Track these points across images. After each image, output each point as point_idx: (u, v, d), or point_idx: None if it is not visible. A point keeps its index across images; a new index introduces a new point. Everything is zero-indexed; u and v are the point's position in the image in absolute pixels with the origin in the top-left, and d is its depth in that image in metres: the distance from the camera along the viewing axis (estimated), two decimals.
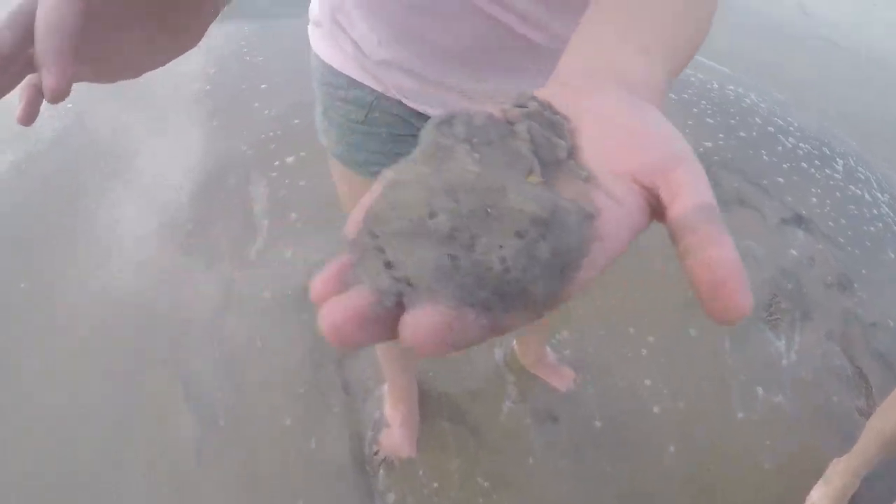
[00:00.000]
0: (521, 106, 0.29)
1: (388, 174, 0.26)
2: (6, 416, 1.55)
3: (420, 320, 0.22)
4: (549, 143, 0.27)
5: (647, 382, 1.59)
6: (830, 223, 2.15)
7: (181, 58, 0.48)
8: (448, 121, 0.28)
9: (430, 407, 1.53)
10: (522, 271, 0.23)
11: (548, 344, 1.60)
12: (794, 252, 2.03)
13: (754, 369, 1.70)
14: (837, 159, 2.40)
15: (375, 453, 1.49)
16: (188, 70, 2.41)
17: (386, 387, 1.55)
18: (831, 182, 2.32)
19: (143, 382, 1.59)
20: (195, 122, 2.20)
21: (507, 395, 1.55)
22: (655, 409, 1.56)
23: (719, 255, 0.24)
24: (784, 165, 2.29)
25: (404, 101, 0.77)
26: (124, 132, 2.23)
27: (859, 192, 2.32)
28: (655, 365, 1.64)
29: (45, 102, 0.38)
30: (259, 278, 1.79)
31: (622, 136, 0.29)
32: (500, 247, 0.23)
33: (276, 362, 1.63)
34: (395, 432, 1.48)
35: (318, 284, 0.25)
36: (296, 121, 2.13)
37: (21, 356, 1.64)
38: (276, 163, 2.03)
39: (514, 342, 1.61)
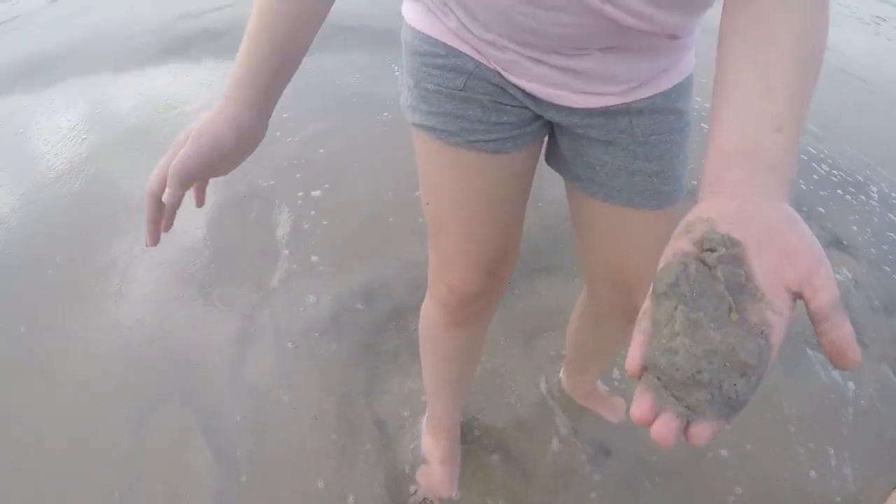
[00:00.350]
0: (711, 249, 0.42)
1: (669, 345, 0.40)
2: (8, 462, 1.43)
3: (702, 431, 0.39)
4: (734, 275, 0.41)
5: None
6: (873, 249, 2.08)
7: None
8: (675, 283, 0.41)
9: (471, 442, 1.41)
10: (745, 395, 0.39)
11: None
12: (838, 276, 1.95)
13: (811, 400, 1.59)
14: (872, 186, 2.35)
15: (413, 493, 1.37)
16: (206, 98, 2.38)
17: (424, 420, 1.43)
18: (867, 208, 2.26)
19: (157, 428, 1.47)
20: None
21: (555, 427, 1.43)
22: (724, 453, 1.43)
23: (842, 334, 0.39)
24: (821, 193, 2.23)
25: (504, 74, 0.77)
26: (138, 161, 2.17)
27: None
28: None
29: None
30: (280, 314, 1.69)
31: (779, 252, 0.42)
32: (735, 385, 0.39)
33: (303, 396, 1.52)
34: (434, 470, 1.35)
35: (639, 414, 0.40)
36: (321, 150, 2.07)
37: (22, 402, 1.53)
38: (300, 193, 1.96)
39: (561, 374, 1.51)
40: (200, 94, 2.51)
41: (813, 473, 1.42)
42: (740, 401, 0.39)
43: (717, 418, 0.39)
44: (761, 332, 0.40)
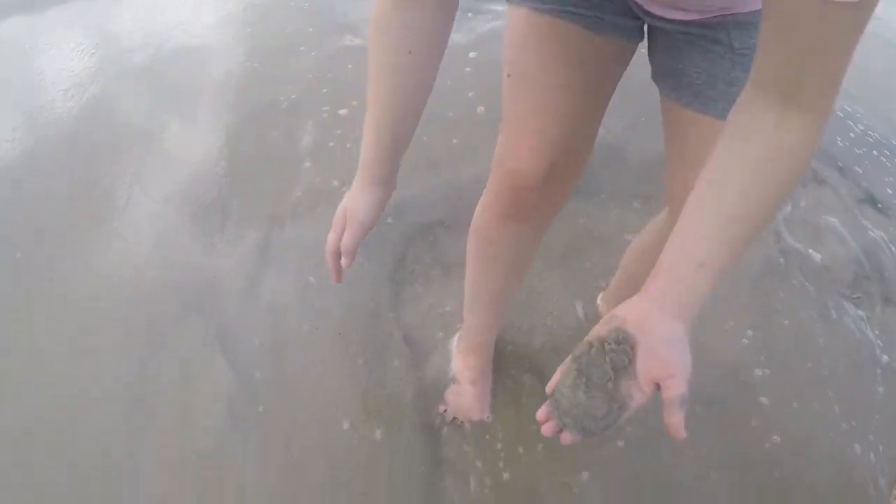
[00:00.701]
0: (609, 342, 0.64)
1: (561, 388, 0.67)
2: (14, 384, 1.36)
3: (566, 437, 0.66)
4: (620, 360, 0.63)
5: (758, 371, 1.41)
6: None
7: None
8: (579, 356, 0.66)
9: (504, 363, 1.34)
10: (597, 430, 0.64)
11: None
12: (871, 234, 1.90)
13: (845, 351, 1.53)
14: None
15: (442, 412, 1.30)
16: (224, 12, 2.24)
17: (456, 337, 1.36)
18: None
19: (169, 350, 1.40)
20: (231, 64, 2.02)
21: None
22: (763, 399, 1.38)
23: (672, 422, 0.60)
24: (857, 151, 2.17)
25: None
26: (145, 79, 2.05)
27: None
28: (757, 351, 1.46)
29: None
30: (301, 234, 1.61)
31: (655, 357, 0.61)
32: (589, 423, 0.64)
33: (327, 312, 1.44)
34: (464, 389, 1.28)
35: (539, 416, 0.68)
36: (349, 66, 1.96)
37: (25, 327, 1.45)
38: (326, 108, 1.86)
39: (599, 300, 1.44)
40: (214, 9, 2.37)
41: (845, 426, 1.37)
42: (591, 431, 0.64)
43: (576, 434, 0.65)
44: (622, 400, 0.62)
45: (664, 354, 0.61)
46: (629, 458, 1.26)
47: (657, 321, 0.62)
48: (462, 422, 1.29)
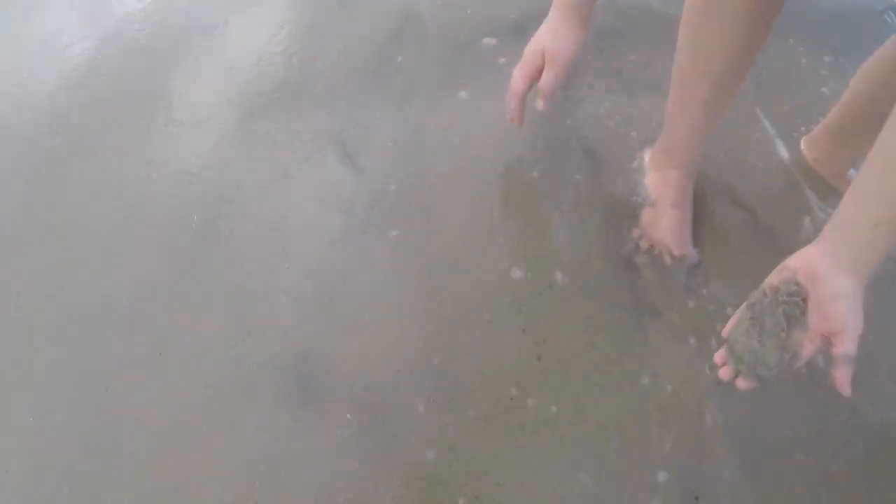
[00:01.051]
0: (781, 293, 0.66)
1: (736, 335, 0.71)
2: None
3: (741, 383, 0.71)
4: (792, 311, 0.65)
5: None
6: None
7: None
8: (754, 303, 0.69)
9: (707, 196, 1.11)
10: (770, 377, 0.68)
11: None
12: None
13: None
14: None
15: (638, 238, 1.06)
16: None
17: (648, 152, 1.11)
18: None
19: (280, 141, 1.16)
20: None
21: (805, 202, 1.12)
22: None
23: (839, 376, 0.63)
24: None
25: None
26: None
27: None
28: None
29: None
30: (443, 26, 1.33)
31: (824, 311, 0.63)
32: (760, 370, 0.68)
33: (484, 116, 1.18)
34: (664, 212, 1.04)
35: (717, 359, 0.74)
36: None
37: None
38: None
39: (803, 144, 1.21)
40: None
41: None
42: (764, 378, 0.69)
43: (750, 381, 0.70)
44: (794, 350, 0.66)
45: (831, 311, 0.62)
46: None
47: (828, 275, 0.62)
48: (659, 251, 1.05)
